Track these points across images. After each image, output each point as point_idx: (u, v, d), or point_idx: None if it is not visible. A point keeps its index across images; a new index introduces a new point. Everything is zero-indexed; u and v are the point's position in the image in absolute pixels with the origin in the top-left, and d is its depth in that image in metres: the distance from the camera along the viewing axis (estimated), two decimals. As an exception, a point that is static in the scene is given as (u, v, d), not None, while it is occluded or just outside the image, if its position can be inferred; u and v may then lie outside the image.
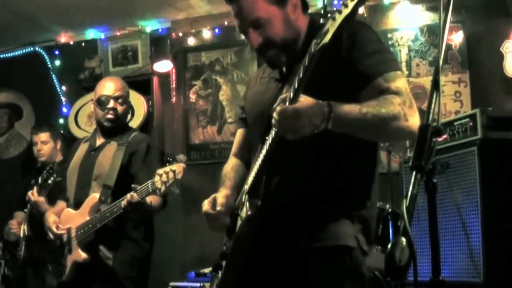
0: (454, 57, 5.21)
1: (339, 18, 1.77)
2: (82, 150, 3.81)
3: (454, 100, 5.16)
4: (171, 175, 3.08)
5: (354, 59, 2.06)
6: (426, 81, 5.26)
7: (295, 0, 2.21)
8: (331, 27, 1.78)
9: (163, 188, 3.09)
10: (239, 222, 2.25)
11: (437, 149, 1.57)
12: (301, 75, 1.85)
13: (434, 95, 1.61)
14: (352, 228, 2.13)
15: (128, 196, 3.22)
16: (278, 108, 1.88)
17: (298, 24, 2.21)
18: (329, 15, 1.80)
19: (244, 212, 2.21)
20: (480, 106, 3.89)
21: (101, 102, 3.67)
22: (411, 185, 1.51)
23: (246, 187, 2.25)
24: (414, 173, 1.54)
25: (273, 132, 2.00)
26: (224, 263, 2.32)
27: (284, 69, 2.28)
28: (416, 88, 5.30)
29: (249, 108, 2.45)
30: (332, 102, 1.90)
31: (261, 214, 2.16)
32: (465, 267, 3.40)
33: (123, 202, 3.24)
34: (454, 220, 3.49)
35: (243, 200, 2.25)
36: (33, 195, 4.35)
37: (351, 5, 1.76)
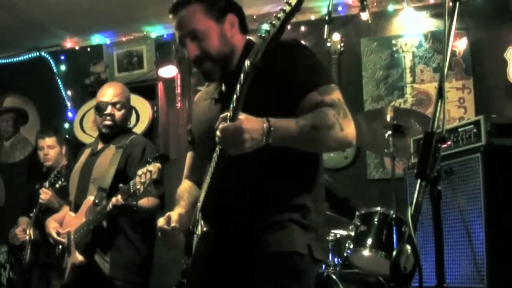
0: (458, 63, 5.23)
1: (267, 37, 1.86)
2: (85, 155, 3.86)
3: (458, 106, 5.17)
4: (148, 175, 3.09)
5: (289, 75, 2.15)
6: (430, 87, 5.28)
7: (232, 18, 2.30)
8: (261, 46, 1.87)
9: (142, 189, 3.11)
10: (195, 240, 2.32)
11: (441, 155, 1.59)
12: (238, 94, 1.94)
13: (439, 103, 1.63)
14: (305, 236, 2.19)
15: (113, 199, 3.25)
16: (220, 126, 1.96)
17: (233, 41, 2.31)
18: (261, 34, 1.90)
19: (199, 229, 2.29)
20: (484, 112, 3.90)
21: (99, 108, 3.72)
22: (416, 192, 1.53)
23: (199, 204, 2.34)
24: (419, 180, 1.55)
25: (217, 150, 2.09)
26: (185, 281, 2.43)
27: (223, 88, 2.36)
28: (420, 94, 5.32)
29: (195, 130, 2.54)
30: (270, 118, 1.99)
31: (214, 230, 2.26)
32: (468, 273, 3.40)
33: (109, 205, 3.28)
34: (458, 226, 3.49)
35: (197, 217, 2.33)
36: (45, 195, 4.39)
37: (277, 24, 1.85)
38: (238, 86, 1.95)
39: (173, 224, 2.30)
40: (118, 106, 3.73)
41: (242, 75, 1.93)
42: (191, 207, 2.47)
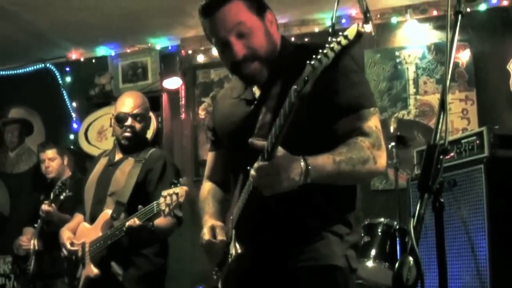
0: (461, 75, 5.25)
1: (319, 68, 1.67)
2: (101, 164, 3.80)
3: (461, 117, 5.18)
4: (174, 197, 3.06)
5: (333, 90, 2.03)
6: (433, 99, 5.29)
7: (270, 15, 2.18)
8: (311, 76, 1.68)
9: (167, 210, 3.08)
10: (228, 257, 2.22)
11: (444, 166, 1.60)
12: (278, 128, 1.78)
13: (441, 115, 1.65)
14: (341, 246, 2.13)
15: (130, 221, 3.22)
16: (255, 165, 1.84)
17: (275, 38, 2.18)
18: (311, 62, 1.68)
19: (232, 246, 2.19)
20: (487, 124, 3.91)
21: (119, 119, 3.64)
22: (418, 205, 1.54)
23: (233, 219, 2.22)
24: (421, 192, 1.57)
25: (251, 185, 1.96)
26: None
27: (255, 90, 2.24)
28: (423, 106, 5.33)
29: (221, 130, 2.40)
30: (307, 157, 1.89)
31: (248, 251, 2.16)
32: (472, 284, 3.40)
33: (125, 226, 3.24)
34: (461, 238, 3.50)
35: (230, 234, 2.23)
36: (45, 207, 4.40)
37: (331, 55, 1.65)
38: (281, 117, 1.77)
39: (220, 238, 2.20)
40: (138, 118, 3.65)
41: (287, 104, 1.75)
42: (219, 213, 2.38)
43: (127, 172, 3.57)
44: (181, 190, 3.09)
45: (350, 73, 2.07)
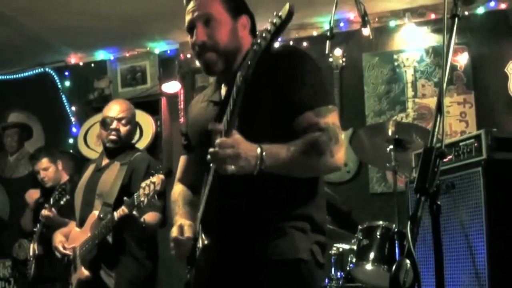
0: (459, 78, 5.26)
1: (258, 51, 1.85)
2: (89, 170, 3.89)
3: (460, 120, 5.20)
4: (151, 186, 3.13)
5: (290, 89, 2.13)
6: (432, 102, 5.30)
7: (245, 20, 2.31)
8: (252, 60, 1.86)
9: (145, 200, 3.15)
10: (197, 252, 2.29)
11: (442, 169, 1.61)
12: (231, 107, 1.92)
13: (438, 118, 1.66)
14: (305, 240, 2.18)
15: (119, 211, 3.29)
16: (216, 141, 1.92)
17: (242, 41, 2.28)
18: (253, 47, 1.88)
19: (200, 242, 2.26)
20: (485, 126, 3.91)
21: (105, 123, 3.75)
22: (416, 207, 1.55)
23: (199, 215, 2.30)
24: (418, 195, 1.58)
25: (213, 167, 2.06)
26: None
27: (222, 92, 2.34)
28: (421, 109, 5.35)
29: (192, 133, 2.49)
30: (262, 144, 1.97)
31: (215, 243, 2.22)
32: (470, 287, 3.40)
33: (116, 215, 3.31)
34: (459, 240, 3.50)
35: (197, 229, 2.29)
36: (45, 212, 4.41)
37: (268, 37, 1.84)
38: (231, 99, 1.94)
39: (187, 235, 2.27)
40: (123, 121, 3.76)
41: (234, 88, 1.93)
42: (189, 213, 2.44)
43: (113, 175, 3.64)
44: (157, 178, 3.16)
45: (307, 75, 2.17)
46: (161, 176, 3.18)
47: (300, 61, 2.20)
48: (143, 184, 3.17)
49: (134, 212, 3.28)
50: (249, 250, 2.19)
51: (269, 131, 2.09)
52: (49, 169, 5.23)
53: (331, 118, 2.13)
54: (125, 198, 3.28)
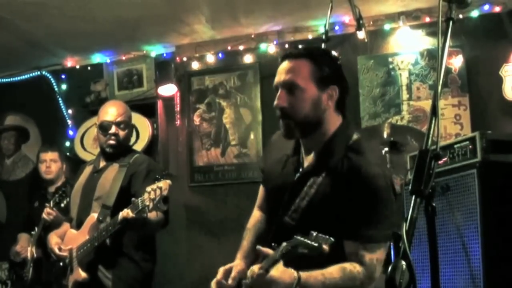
0: (454, 80, 5.28)
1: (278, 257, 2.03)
2: (86, 172, 3.87)
3: (454, 123, 5.22)
4: (158, 192, 3.13)
5: (360, 211, 2.20)
6: (427, 104, 5.32)
7: (333, 91, 2.31)
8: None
9: (151, 205, 3.15)
10: None
11: (437, 171, 1.62)
12: (274, 259, 2.05)
13: (433, 120, 1.68)
14: None
15: (124, 212, 3.26)
16: (254, 270, 2.09)
17: (325, 114, 2.31)
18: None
19: None
20: (479, 129, 3.93)
21: (103, 128, 3.73)
22: (411, 209, 1.56)
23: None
24: (413, 197, 1.59)
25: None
26: None
27: (304, 162, 2.39)
28: (416, 112, 5.36)
29: (268, 179, 2.60)
30: (301, 274, 2.10)
31: None
32: (466, 288, 3.42)
33: (119, 217, 3.29)
34: (455, 242, 3.51)
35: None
36: (49, 210, 4.43)
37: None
38: (279, 253, 2.04)
39: (230, 282, 2.39)
40: (122, 126, 3.74)
41: (280, 249, 2.04)
42: (252, 250, 2.52)
43: (112, 177, 3.63)
44: (164, 184, 3.15)
45: (381, 208, 2.22)
46: (168, 182, 3.16)
47: (382, 184, 2.22)
48: (148, 189, 3.15)
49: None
50: None
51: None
52: (56, 163, 5.31)
53: (378, 255, 2.22)
54: (133, 199, 3.26)
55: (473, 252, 3.39)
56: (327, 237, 1.94)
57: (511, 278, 3.30)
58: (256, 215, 2.72)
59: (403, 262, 1.48)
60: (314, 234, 1.95)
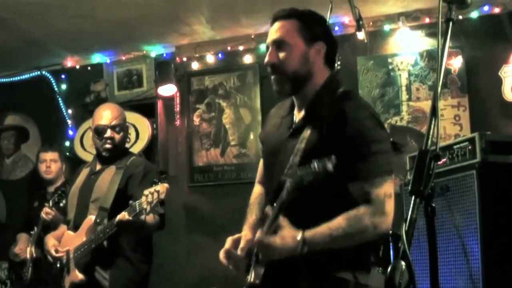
0: (453, 81, 5.29)
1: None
2: (83, 174, 3.86)
3: (454, 123, 5.22)
4: (155, 195, 3.12)
5: (353, 152, 2.23)
6: (426, 105, 5.32)
7: (321, 47, 2.42)
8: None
9: (148, 208, 3.14)
10: (249, 275, 2.36)
11: (437, 172, 1.62)
12: (276, 211, 2.10)
13: (433, 121, 1.68)
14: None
15: (121, 214, 3.26)
16: (258, 236, 2.14)
17: (313, 68, 2.41)
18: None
19: (251, 271, 2.33)
20: (479, 129, 3.94)
21: (98, 132, 3.72)
22: (410, 209, 1.57)
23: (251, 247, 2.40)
24: (413, 197, 1.60)
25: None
26: None
27: (295, 118, 2.48)
28: (416, 112, 5.37)
29: (264, 149, 2.67)
30: (306, 233, 2.14)
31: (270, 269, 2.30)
32: (465, 289, 3.43)
33: (116, 220, 3.29)
34: (454, 242, 3.52)
35: (254, 257, 2.37)
36: (48, 210, 4.43)
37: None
38: (276, 206, 2.10)
39: (239, 252, 2.41)
40: (117, 129, 3.73)
41: (284, 191, 2.08)
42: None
43: (109, 179, 3.63)
44: (162, 187, 3.14)
45: (373, 144, 2.25)
46: (166, 185, 3.16)
47: (369, 124, 2.28)
48: (146, 192, 3.14)
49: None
50: (297, 273, 2.31)
51: (324, 187, 2.19)
52: (56, 163, 5.32)
53: (385, 189, 2.23)
54: (130, 201, 3.26)
55: (472, 253, 3.40)
56: (329, 157, 2.01)
57: (510, 278, 3.31)
58: (257, 190, 2.75)
59: (403, 262, 1.48)
60: (314, 161, 2.03)
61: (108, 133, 3.69)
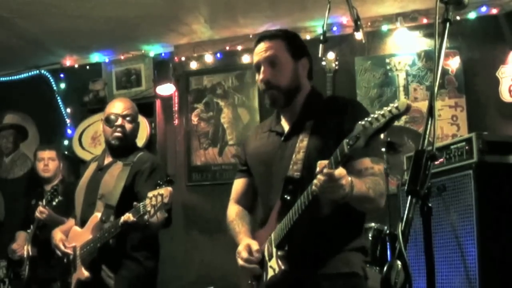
0: (451, 82, 5.31)
1: (370, 129, 1.99)
2: (91, 169, 3.84)
3: (451, 124, 5.24)
4: (159, 198, 3.09)
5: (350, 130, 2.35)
6: (424, 105, 5.33)
7: (306, 62, 2.66)
8: (363, 135, 2.00)
9: (152, 211, 3.12)
10: (269, 271, 2.47)
11: (434, 172, 1.64)
12: (339, 156, 2.09)
13: (429, 121, 1.69)
14: (359, 258, 2.50)
15: (125, 216, 3.25)
16: (325, 171, 2.11)
17: (301, 81, 2.64)
18: (362, 123, 2.02)
19: (274, 263, 2.44)
20: (476, 130, 3.95)
21: (109, 120, 3.70)
22: (407, 209, 1.58)
23: (272, 238, 2.50)
24: (409, 197, 1.61)
25: (306, 195, 2.26)
26: None
27: (285, 127, 2.67)
28: (413, 112, 5.38)
29: (254, 162, 2.77)
30: (352, 178, 2.23)
31: (291, 268, 2.43)
32: (461, 288, 3.44)
33: (121, 221, 3.28)
34: (451, 242, 3.53)
35: (271, 250, 2.49)
36: (41, 209, 4.44)
37: (382, 121, 1.96)
38: (338, 155, 2.09)
39: (257, 255, 2.52)
40: (128, 118, 3.71)
41: (338, 153, 2.09)
42: (250, 232, 2.72)
43: (116, 176, 3.61)
44: (165, 191, 3.12)
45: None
46: (169, 189, 3.13)
47: (365, 109, 2.54)
48: (150, 194, 3.12)
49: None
50: (313, 264, 2.45)
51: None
52: (54, 161, 5.33)
53: (382, 167, 2.48)
54: (135, 203, 3.23)
55: (468, 252, 3.41)
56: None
57: (506, 277, 3.33)
58: (234, 208, 2.87)
59: (399, 262, 1.49)
60: (346, 140, 2.07)
61: (119, 121, 3.68)
